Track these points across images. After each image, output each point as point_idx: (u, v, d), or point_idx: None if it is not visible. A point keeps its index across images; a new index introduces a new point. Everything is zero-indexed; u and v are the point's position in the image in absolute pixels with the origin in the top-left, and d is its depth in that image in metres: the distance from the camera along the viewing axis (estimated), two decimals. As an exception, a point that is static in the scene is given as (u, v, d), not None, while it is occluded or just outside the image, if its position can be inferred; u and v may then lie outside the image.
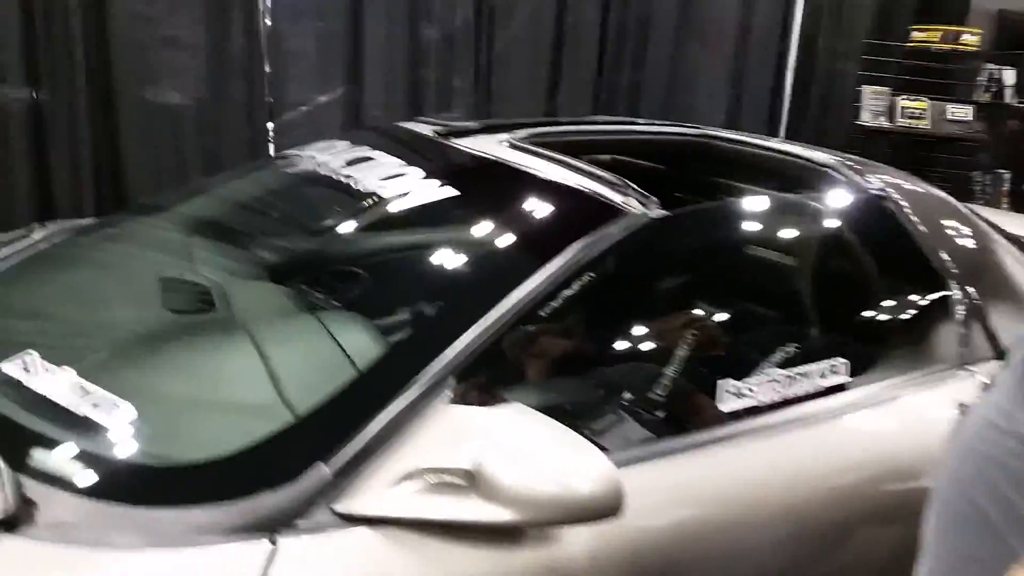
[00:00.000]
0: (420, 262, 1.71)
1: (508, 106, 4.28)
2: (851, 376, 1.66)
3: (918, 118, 4.53)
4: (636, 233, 1.52)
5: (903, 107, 4.55)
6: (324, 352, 1.45)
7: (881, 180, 1.99)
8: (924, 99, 4.54)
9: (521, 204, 1.66)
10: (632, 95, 4.61)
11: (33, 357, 1.37)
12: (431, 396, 1.26)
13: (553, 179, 1.67)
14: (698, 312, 1.65)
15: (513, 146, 1.91)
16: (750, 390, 1.54)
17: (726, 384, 1.52)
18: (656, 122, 2.53)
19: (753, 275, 1.72)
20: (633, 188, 1.62)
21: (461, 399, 1.28)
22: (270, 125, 3.82)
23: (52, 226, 2.16)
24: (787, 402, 1.58)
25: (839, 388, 1.65)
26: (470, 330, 1.32)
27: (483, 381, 1.33)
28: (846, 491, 1.55)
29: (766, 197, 1.94)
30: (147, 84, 3.50)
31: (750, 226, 1.76)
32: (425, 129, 2.13)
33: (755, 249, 1.74)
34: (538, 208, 1.65)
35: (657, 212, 1.57)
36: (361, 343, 1.45)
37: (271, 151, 3.82)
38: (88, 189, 3.30)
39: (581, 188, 1.62)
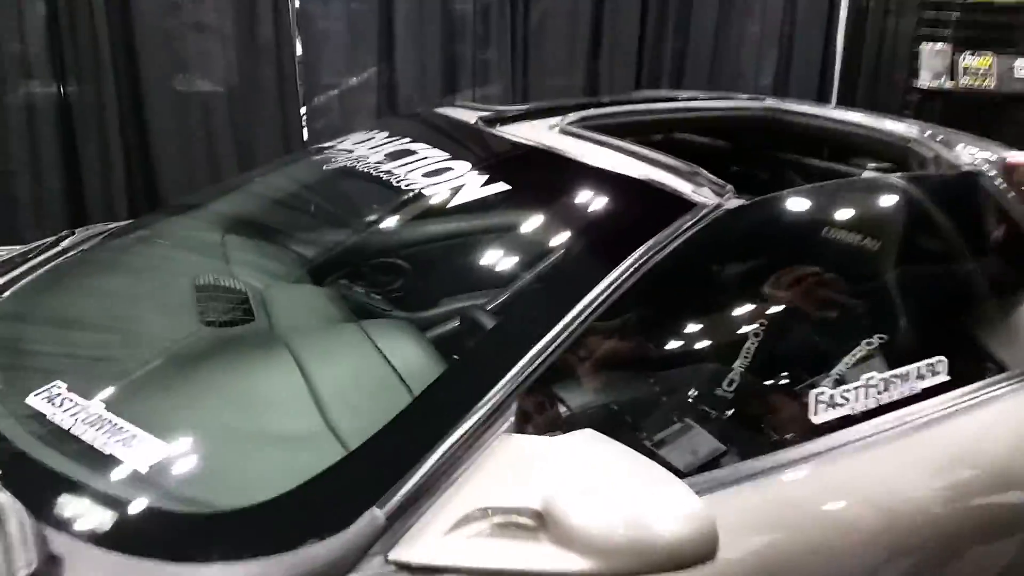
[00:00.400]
0: (473, 270, 1.58)
1: (547, 80, 4.11)
2: (952, 375, 1.49)
3: (983, 76, 4.24)
4: (710, 227, 1.37)
5: (966, 66, 4.27)
6: (374, 373, 1.33)
7: (971, 153, 1.80)
8: (989, 55, 4.25)
9: (581, 201, 1.50)
10: (676, 64, 4.40)
11: (59, 389, 1.26)
12: (493, 423, 1.13)
13: (615, 171, 1.52)
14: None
15: (565, 132, 1.76)
16: (844, 398, 1.39)
17: (818, 393, 1.36)
18: (714, 94, 2.35)
19: (842, 269, 1.55)
20: (704, 175, 1.46)
21: (526, 426, 1.15)
22: (303, 110, 3.70)
23: (81, 232, 2.06)
24: (882, 408, 1.42)
25: (938, 389, 1.48)
26: (533, 347, 1.18)
27: (550, 404, 1.19)
28: (951, 505, 1.40)
29: (850, 180, 1.76)
30: (175, 73, 3.40)
31: (835, 213, 1.59)
32: (467, 116, 1.98)
33: (841, 239, 1.57)
34: (600, 205, 1.49)
35: (732, 202, 1.41)
36: (414, 362, 1.32)
37: (305, 136, 3.71)
38: (120, 185, 3.22)
39: (647, 180, 1.47)
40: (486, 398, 1.13)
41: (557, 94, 4.13)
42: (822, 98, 4.94)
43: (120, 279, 1.76)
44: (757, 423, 1.37)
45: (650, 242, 1.31)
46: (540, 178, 1.58)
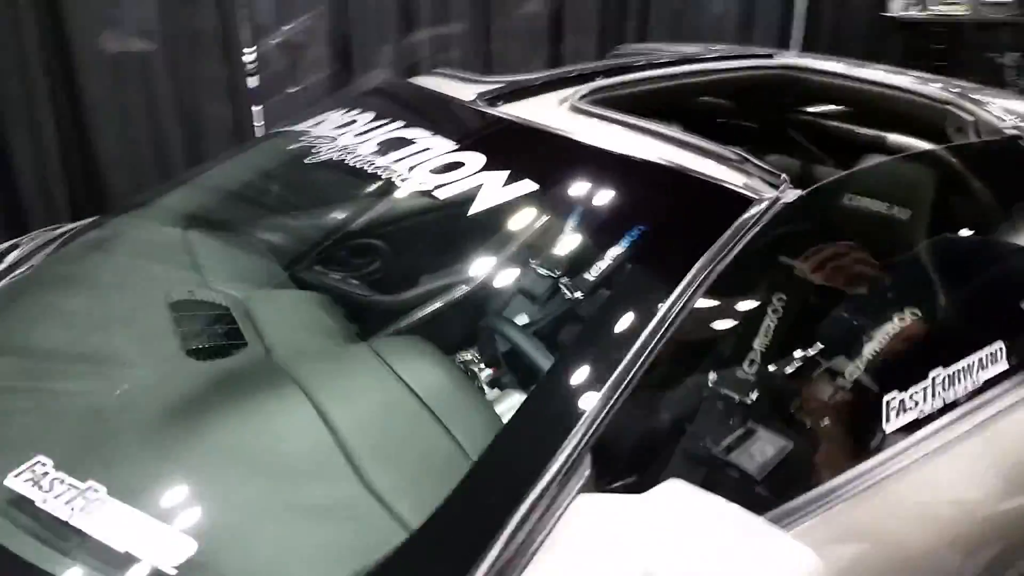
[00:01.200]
0: (507, 289, 1.40)
1: (509, 18, 3.87)
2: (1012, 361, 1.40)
3: (954, 3, 4.13)
4: (770, 225, 1.22)
5: (937, -8, 4.15)
6: (403, 411, 1.17)
7: (1009, 114, 1.68)
8: (961, -18, 4.14)
9: (625, 204, 1.32)
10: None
11: (45, 467, 1.07)
12: (567, 483, 0.98)
13: (660, 163, 1.34)
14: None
15: (579, 111, 1.58)
16: (914, 400, 1.29)
17: (890, 399, 1.26)
18: (715, 49, 2.17)
19: (913, 257, 1.43)
20: (754, 163, 1.31)
21: (602, 483, 1.01)
22: (249, 58, 3.38)
23: (27, 242, 1.82)
24: (949, 406, 1.33)
25: (999, 378, 1.39)
26: (603, 385, 1.04)
27: (628, 452, 1.05)
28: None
29: (903, 157, 1.62)
30: (104, 30, 3.04)
31: (897, 197, 1.45)
32: (458, 90, 1.78)
33: (905, 224, 1.44)
34: (650, 208, 1.32)
35: (790, 193, 1.27)
36: (462, 411, 1.16)
37: (251, 84, 3.40)
38: (55, 166, 2.90)
39: (695, 174, 1.30)
40: (559, 452, 0.99)
41: (522, 30, 3.93)
42: (784, 28, 4.81)
43: (87, 301, 1.54)
44: (836, 434, 1.26)
45: (713, 249, 1.17)
46: (572, 174, 1.38)
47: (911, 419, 1.28)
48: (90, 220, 1.91)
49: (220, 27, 3.20)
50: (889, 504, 1.20)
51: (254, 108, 3.32)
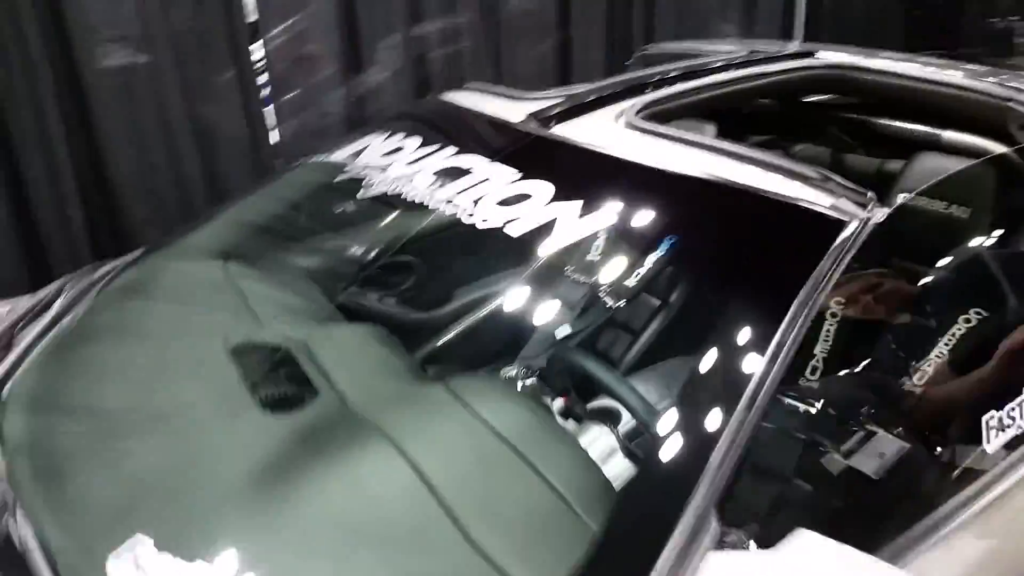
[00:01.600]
0: (611, 337, 1.34)
1: (516, 6, 3.80)
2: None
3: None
4: (865, 248, 1.18)
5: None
6: (518, 482, 1.12)
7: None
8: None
9: (710, 232, 1.27)
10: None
11: (145, 546, 1.04)
12: (695, 543, 0.95)
13: (739, 185, 1.28)
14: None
15: (636, 128, 1.53)
16: (1011, 417, 1.26)
17: (988, 419, 1.24)
18: (751, 46, 2.13)
19: (996, 268, 1.39)
20: (838, 182, 1.27)
21: (731, 540, 0.98)
22: (256, 57, 3.30)
23: (71, 286, 1.77)
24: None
25: None
26: (721, 436, 1.01)
27: (755, 505, 1.02)
28: None
29: (982, 161, 1.57)
30: (107, 43, 2.95)
31: (980, 203, 1.41)
32: (506, 109, 1.72)
33: (988, 232, 1.40)
34: (736, 236, 1.26)
35: (879, 212, 1.22)
36: (558, 456, 1.13)
37: (261, 80, 3.33)
38: (69, 186, 2.83)
39: (781, 197, 1.25)
40: (685, 510, 0.96)
41: (528, 19, 3.86)
42: (788, 5, 4.76)
43: (148, 352, 1.50)
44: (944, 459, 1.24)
45: (814, 278, 1.13)
46: (652, 203, 1.31)
47: (1011, 436, 1.26)
48: (131, 257, 1.86)
49: (225, 27, 3.13)
50: (1004, 523, 1.19)
51: (264, 108, 3.27)
